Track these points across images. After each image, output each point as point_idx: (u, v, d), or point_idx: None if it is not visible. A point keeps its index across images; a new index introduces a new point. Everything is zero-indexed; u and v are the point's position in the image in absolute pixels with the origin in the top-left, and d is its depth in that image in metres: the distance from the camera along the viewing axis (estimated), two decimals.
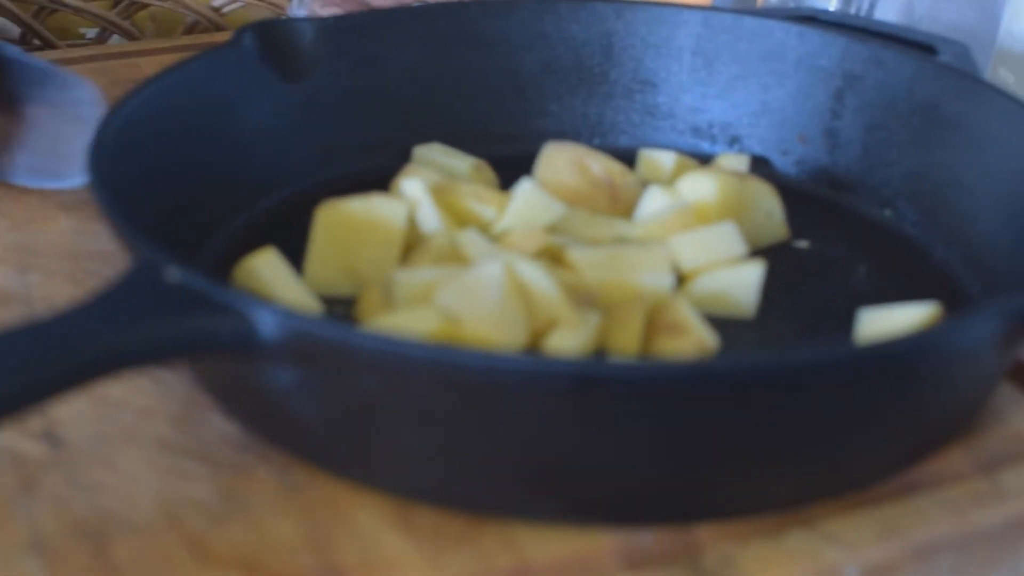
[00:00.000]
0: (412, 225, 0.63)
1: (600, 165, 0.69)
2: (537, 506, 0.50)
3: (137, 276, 0.49)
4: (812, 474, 0.52)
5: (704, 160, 0.75)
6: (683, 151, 0.75)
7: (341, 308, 0.61)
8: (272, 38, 0.72)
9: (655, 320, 0.58)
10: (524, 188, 0.65)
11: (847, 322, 0.60)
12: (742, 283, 0.62)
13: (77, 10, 1.00)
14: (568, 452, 0.49)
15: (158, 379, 0.58)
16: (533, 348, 0.56)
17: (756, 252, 0.65)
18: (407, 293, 0.57)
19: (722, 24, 0.77)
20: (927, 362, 0.50)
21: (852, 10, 0.92)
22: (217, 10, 1.05)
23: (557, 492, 0.50)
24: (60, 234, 0.70)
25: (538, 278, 0.56)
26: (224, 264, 0.61)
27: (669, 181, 0.71)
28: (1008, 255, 0.63)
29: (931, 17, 0.90)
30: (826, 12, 0.81)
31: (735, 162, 0.73)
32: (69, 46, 1.02)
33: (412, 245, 0.63)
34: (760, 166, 0.75)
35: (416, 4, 0.80)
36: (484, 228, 0.65)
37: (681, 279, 0.62)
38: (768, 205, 0.68)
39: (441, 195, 0.65)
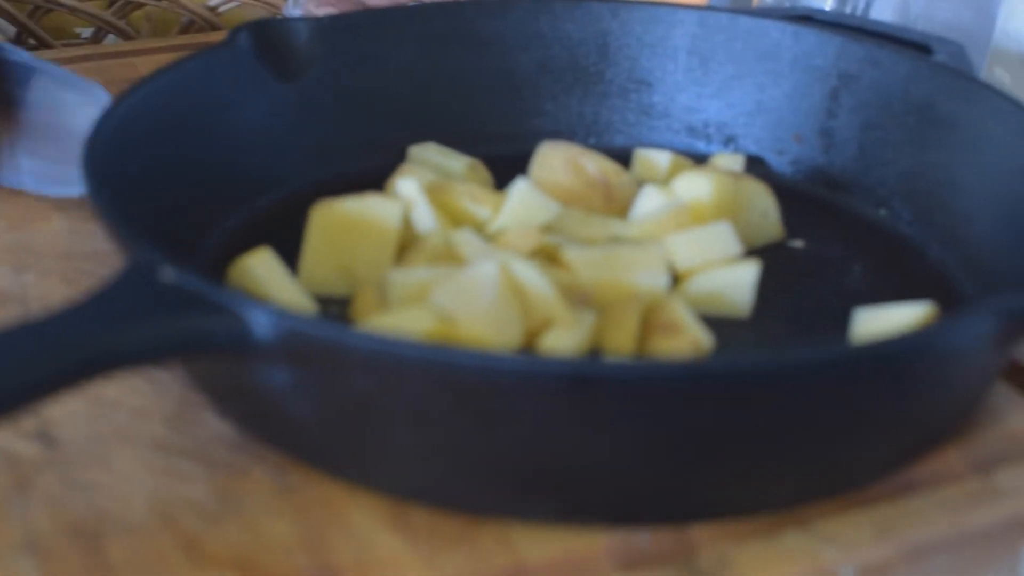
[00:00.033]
0: (407, 225, 0.63)
1: (595, 165, 0.69)
2: (533, 506, 0.50)
3: (131, 276, 0.49)
4: (808, 474, 0.52)
5: (699, 160, 0.75)
6: (679, 151, 0.75)
7: (336, 308, 0.61)
8: (267, 37, 0.72)
9: (650, 320, 0.58)
10: (519, 188, 0.65)
11: (842, 322, 0.60)
12: (737, 283, 0.62)
13: (73, 10, 1.00)
14: (563, 452, 0.49)
15: (153, 379, 0.58)
16: (528, 348, 0.56)
17: (751, 252, 0.65)
18: (402, 293, 0.57)
19: (718, 24, 0.77)
20: (922, 362, 0.50)
21: (848, 9, 0.92)
22: (213, 9, 1.05)
23: (553, 492, 0.50)
24: (55, 234, 0.70)
25: (533, 278, 0.56)
26: (219, 264, 0.61)
27: (664, 181, 0.71)
28: (1004, 255, 0.63)
29: (927, 16, 0.90)
30: (822, 12, 0.81)
31: (730, 162, 0.73)
32: (64, 46, 1.02)
33: (407, 245, 0.63)
34: (755, 166, 0.75)
35: (411, 3, 0.80)
36: (479, 228, 0.65)
37: (676, 279, 0.62)
38: (763, 205, 0.68)
39: (436, 195, 0.65)
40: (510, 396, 0.47)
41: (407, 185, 0.64)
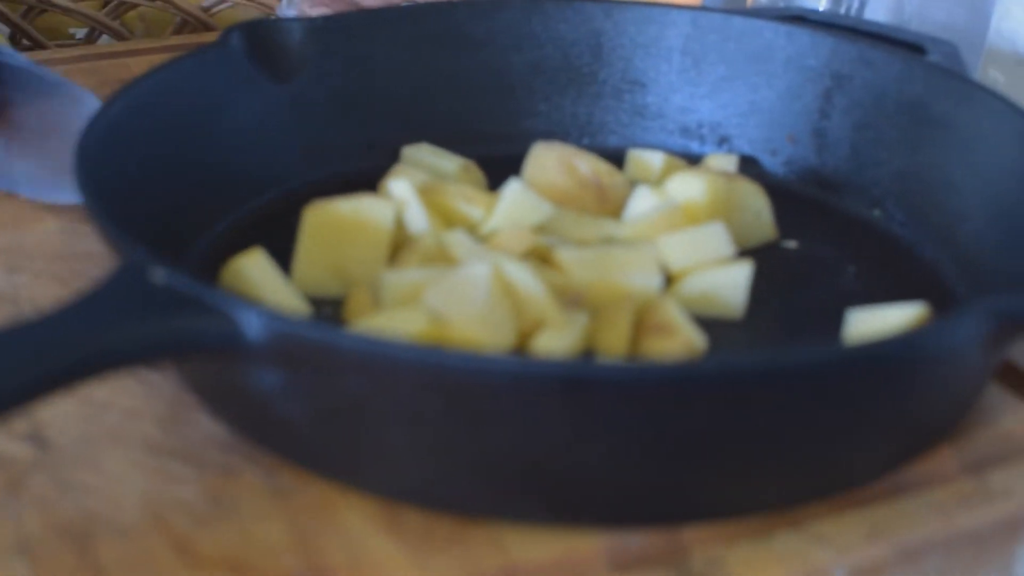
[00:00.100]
0: (400, 226, 0.63)
1: (588, 165, 0.69)
2: (525, 508, 0.50)
3: (123, 277, 0.49)
4: (800, 475, 0.52)
5: (693, 160, 0.75)
6: (672, 151, 0.75)
7: (329, 309, 0.61)
8: (260, 38, 0.72)
9: (643, 321, 0.58)
10: (512, 188, 0.65)
11: (835, 323, 0.60)
12: (730, 283, 0.61)
13: (66, 10, 1.00)
14: (556, 454, 0.49)
15: (144, 380, 0.58)
16: (521, 349, 0.56)
17: (744, 252, 0.65)
18: (395, 294, 0.57)
19: (711, 24, 0.77)
20: (915, 363, 0.50)
21: (841, 10, 0.92)
22: (207, 10, 1.05)
23: (545, 494, 0.50)
24: (48, 235, 0.70)
25: (526, 279, 0.56)
26: (212, 265, 0.61)
27: (657, 181, 0.71)
28: (997, 255, 0.63)
29: (921, 16, 0.90)
30: (815, 12, 0.81)
31: (724, 162, 0.73)
32: (58, 46, 1.02)
33: (400, 246, 0.63)
34: (749, 166, 0.75)
35: (404, 4, 0.79)
36: (472, 229, 0.65)
37: (669, 279, 0.62)
38: (756, 205, 0.68)
39: (429, 196, 0.65)
40: (502, 398, 0.47)
41: (400, 186, 0.64)
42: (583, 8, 0.78)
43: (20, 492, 0.52)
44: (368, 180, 0.68)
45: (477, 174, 0.72)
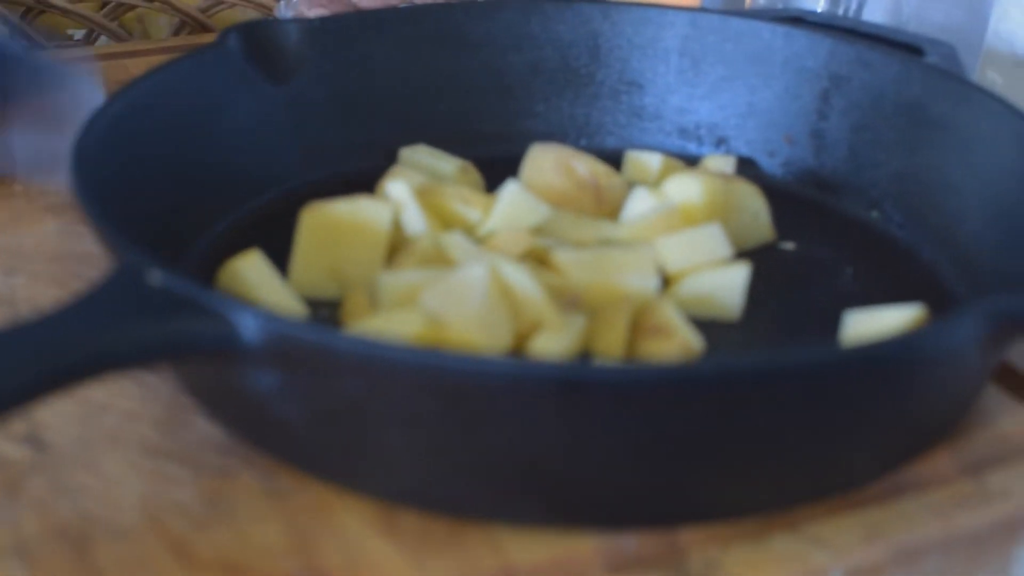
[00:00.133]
0: (397, 227, 0.63)
1: (586, 166, 0.69)
2: (521, 509, 0.50)
3: (119, 279, 0.49)
4: (798, 477, 0.52)
5: (691, 161, 0.75)
6: (670, 152, 0.75)
7: (326, 310, 0.61)
8: (257, 39, 0.72)
9: (640, 322, 0.58)
10: (509, 190, 0.65)
11: (833, 324, 0.60)
12: (727, 285, 0.61)
13: (65, 11, 1.00)
14: (553, 455, 0.48)
15: (142, 382, 0.58)
16: (518, 351, 0.55)
17: (742, 254, 0.65)
18: (392, 295, 0.57)
19: (709, 25, 0.77)
20: (913, 365, 0.50)
21: (840, 11, 0.92)
22: (205, 11, 1.05)
23: (541, 495, 0.50)
24: (46, 236, 0.70)
25: (523, 280, 0.56)
26: (209, 266, 0.61)
27: (655, 183, 0.71)
28: (995, 256, 0.63)
29: (919, 18, 0.90)
30: (813, 13, 0.81)
31: (721, 163, 0.73)
32: (57, 47, 1.02)
33: (397, 247, 0.62)
34: (746, 167, 0.75)
35: (402, 5, 0.79)
36: (469, 230, 0.65)
37: (666, 281, 0.62)
38: (754, 206, 0.68)
39: (426, 197, 0.65)
40: (499, 400, 0.47)
41: (397, 187, 0.64)
42: (581, 9, 0.78)
43: (18, 494, 0.52)
44: (366, 181, 0.67)
45: (475, 175, 0.72)
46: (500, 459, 0.49)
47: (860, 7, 0.91)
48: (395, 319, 0.54)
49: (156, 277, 0.48)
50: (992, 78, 0.86)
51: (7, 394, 0.45)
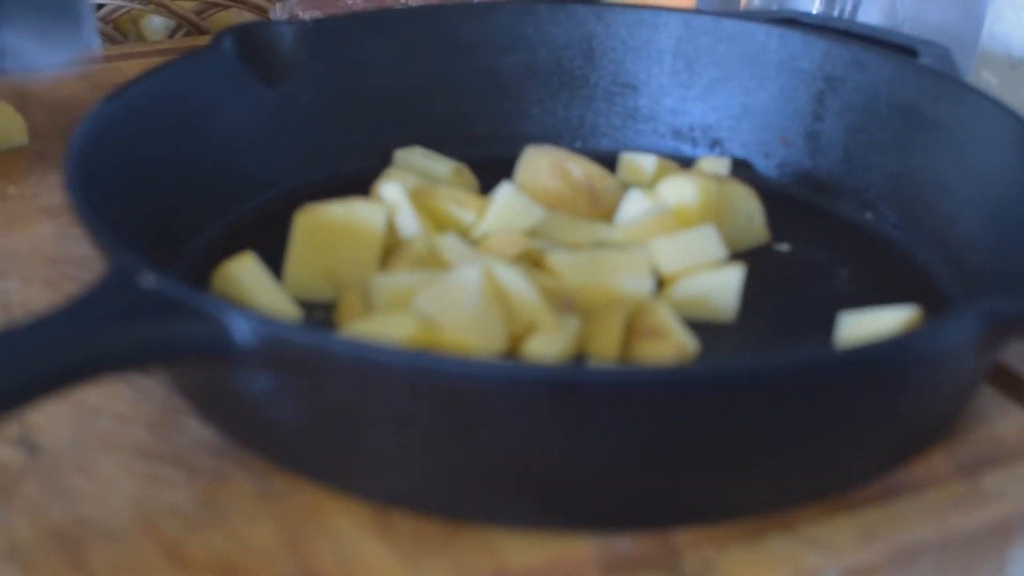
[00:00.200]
0: (391, 229, 0.63)
1: (580, 168, 0.68)
2: (516, 512, 0.50)
3: (112, 281, 0.49)
4: (792, 478, 0.52)
5: (685, 163, 0.75)
6: (664, 154, 0.75)
7: (321, 313, 0.61)
8: (251, 41, 0.72)
9: (635, 324, 0.58)
10: (504, 192, 0.65)
11: (828, 326, 0.60)
12: (722, 287, 0.61)
13: None
14: (547, 457, 0.48)
15: (135, 385, 0.58)
16: (512, 353, 0.55)
17: (736, 255, 0.65)
18: (386, 297, 0.57)
19: (702, 27, 0.77)
20: (907, 366, 0.50)
21: (835, 12, 0.92)
22: (200, 14, 1.05)
23: (536, 497, 0.50)
24: (40, 239, 0.70)
25: (517, 282, 0.56)
26: (204, 268, 0.61)
27: (650, 184, 0.71)
28: (989, 257, 0.63)
29: (914, 19, 0.90)
30: (808, 15, 0.81)
31: (716, 165, 0.73)
32: None
33: (391, 249, 0.62)
34: (741, 169, 0.75)
35: (396, 7, 0.79)
36: (464, 232, 0.65)
37: (661, 283, 0.62)
38: (749, 208, 0.68)
39: (420, 199, 0.65)
40: (493, 402, 0.47)
41: (391, 189, 0.64)
42: (575, 11, 0.78)
43: (11, 497, 0.51)
44: (360, 183, 0.67)
45: (469, 177, 0.72)
46: (495, 461, 0.49)
47: (855, 9, 0.91)
48: (389, 321, 0.54)
49: (148, 279, 0.48)
50: (987, 79, 0.86)
51: (1, 397, 0.45)
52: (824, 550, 0.50)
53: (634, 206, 0.66)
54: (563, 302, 0.58)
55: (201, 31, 1.05)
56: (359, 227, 0.61)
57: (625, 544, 0.50)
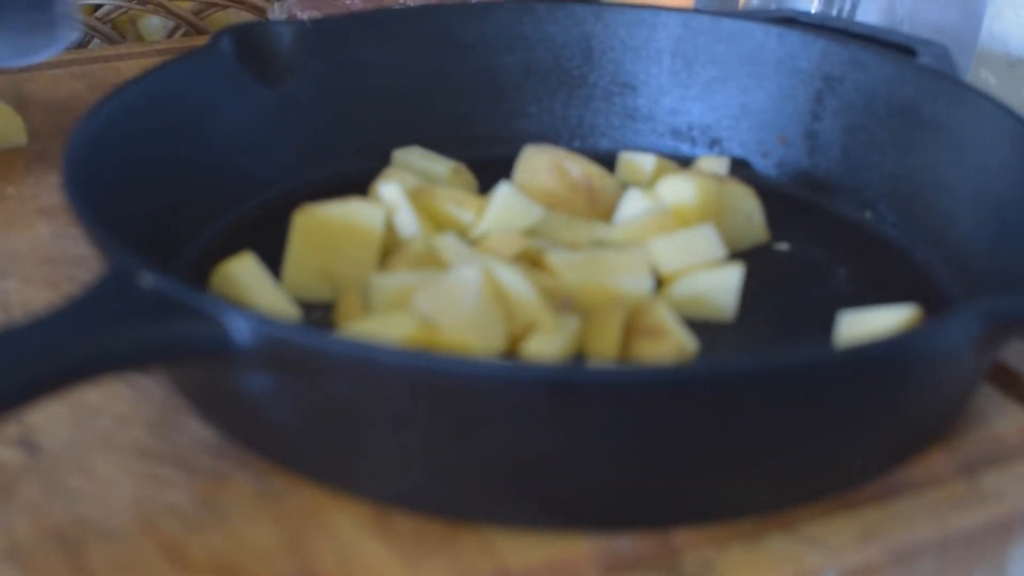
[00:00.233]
0: (390, 229, 0.63)
1: (579, 168, 0.68)
2: (515, 511, 0.50)
3: (111, 282, 0.49)
4: (792, 478, 0.52)
5: (684, 162, 0.75)
6: (663, 154, 0.75)
7: (320, 313, 0.61)
8: (250, 41, 0.72)
9: (634, 324, 0.58)
10: (503, 192, 0.65)
11: (827, 325, 0.60)
12: (721, 286, 0.61)
13: None
14: (546, 457, 0.48)
15: (135, 385, 0.57)
16: (511, 353, 0.55)
17: (735, 255, 0.65)
18: (385, 298, 0.57)
19: (701, 26, 0.77)
20: (907, 365, 0.50)
21: (833, 12, 0.92)
22: (198, 14, 1.05)
23: (535, 497, 0.50)
24: (39, 239, 0.70)
25: (516, 282, 0.56)
26: (203, 268, 0.61)
27: (648, 184, 0.71)
28: (989, 256, 0.63)
29: (913, 18, 0.90)
30: (807, 14, 0.81)
31: (715, 164, 0.73)
32: None
33: (390, 249, 0.62)
34: (740, 168, 0.75)
35: (395, 7, 0.79)
36: (462, 232, 0.64)
37: (660, 282, 0.62)
38: (748, 207, 0.68)
39: (419, 199, 0.65)
40: (493, 402, 0.47)
41: (390, 189, 0.64)
42: (574, 10, 0.78)
43: (10, 497, 0.51)
44: (359, 183, 0.67)
45: (467, 177, 0.72)
46: (494, 461, 0.49)
47: (853, 8, 0.91)
48: (388, 321, 0.54)
49: (147, 279, 0.48)
50: (986, 78, 0.86)
51: (0, 397, 0.45)
52: (824, 550, 0.50)
53: (633, 205, 0.66)
54: (562, 302, 0.58)
55: (199, 31, 1.05)
56: (358, 227, 0.61)
57: (625, 544, 0.50)
